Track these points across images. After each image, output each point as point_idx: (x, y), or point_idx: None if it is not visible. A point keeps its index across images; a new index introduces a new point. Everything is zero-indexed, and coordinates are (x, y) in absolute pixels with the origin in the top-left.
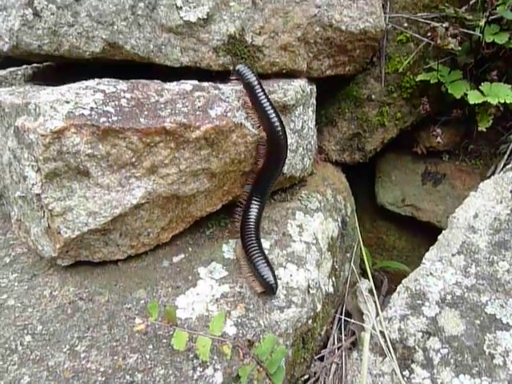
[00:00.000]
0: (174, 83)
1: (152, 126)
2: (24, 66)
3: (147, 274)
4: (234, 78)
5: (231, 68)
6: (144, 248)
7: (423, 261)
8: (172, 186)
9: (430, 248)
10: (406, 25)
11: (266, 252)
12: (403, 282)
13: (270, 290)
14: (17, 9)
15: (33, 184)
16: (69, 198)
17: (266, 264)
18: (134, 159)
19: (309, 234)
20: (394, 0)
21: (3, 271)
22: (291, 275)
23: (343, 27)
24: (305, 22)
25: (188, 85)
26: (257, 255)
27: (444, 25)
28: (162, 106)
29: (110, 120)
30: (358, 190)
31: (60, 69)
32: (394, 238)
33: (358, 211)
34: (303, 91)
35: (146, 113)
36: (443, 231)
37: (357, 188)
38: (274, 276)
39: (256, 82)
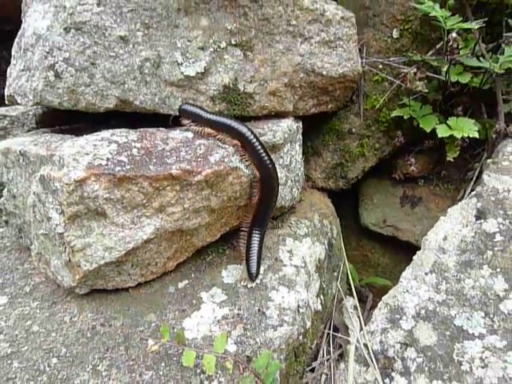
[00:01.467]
0: (177, 131)
1: (160, 173)
2: (35, 107)
3: (156, 299)
4: (182, 118)
5: (225, 112)
6: (152, 276)
7: (400, 279)
8: (177, 222)
9: (407, 267)
10: (380, 67)
11: (260, 277)
12: (383, 298)
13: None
14: (40, 71)
15: (56, 224)
16: (88, 236)
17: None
18: (144, 201)
19: (298, 258)
20: (369, 45)
21: (25, 299)
22: (283, 297)
23: (324, 72)
24: (290, 70)
25: (189, 133)
26: (253, 253)
27: (412, 70)
28: (168, 153)
29: (124, 168)
30: (344, 212)
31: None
32: (378, 256)
33: (344, 231)
34: (290, 130)
35: (154, 160)
36: (417, 252)
37: (342, 210)
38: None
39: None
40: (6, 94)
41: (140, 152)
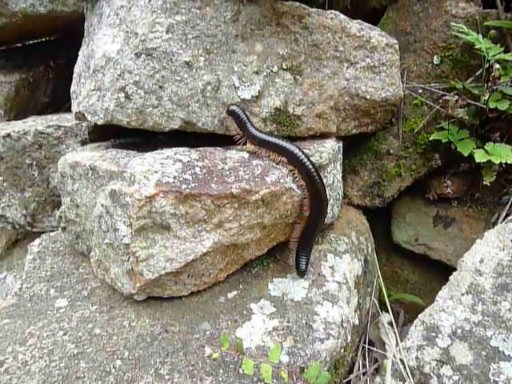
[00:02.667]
0: (234, 151)
1: (222, 192)
2: None
3: (208, 308)
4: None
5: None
6: (204, 286)
7: (436, 298)
8: (233, 237)
9: (443, 287)
10: (420, 91)
11: (306, 291)
12: (419, 316)
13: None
14: (111, 92)
15: (123, 235)
16: (152, 247)
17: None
18: (206, 217)
19: (339, 274)
20: (410, 69)
21: (84, 303)
22: (327, 311)
23: (368, 96)
24: (336, 93)
25: (245, 152)
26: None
27: (454, 98)
28: (227, 172)
29: (189, 186)
30: (376, 229)
31: None
32: (408, 273)
33: (376, 247)
34: (333, 150)
35: (215, 179)
36: (454, 273)
37: (374, 227)
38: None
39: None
40: (74, 110)
41: (202, 171)
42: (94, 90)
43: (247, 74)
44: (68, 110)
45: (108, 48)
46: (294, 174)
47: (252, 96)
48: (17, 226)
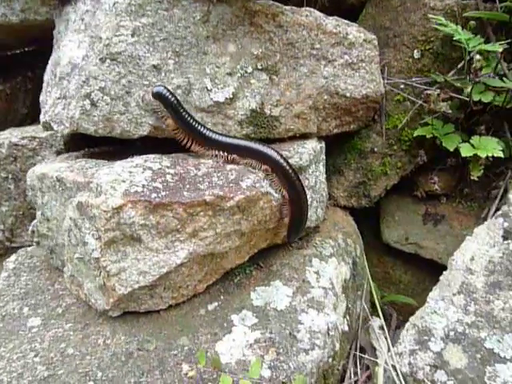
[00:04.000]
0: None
1: (195, 199)
2: None
3: (187, 321)
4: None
5: (252, 136)
6: (183, 298)
7: (427, 299)
8: (209, 246)
9: (433, 288)
10: (402, 87)
11: (289, 299)
12: (410, 319)
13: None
14: (76, 99)
15: (92, 249)
16: (123, 260)
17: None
18: (178, 226)
19: (325, 279)
20: (390, 65)
21: (58, 321)
22: (313, 320)
23: (348, 94)
24: (315, 92)
25: (219, 158)
26: None
27: (436, 92)
28: (201, 179)
29: (159, 195)
30: (364, 229)
31: None
32: (400, 273)
33: (366, 248)
34: (315, 151)
35: (188, 186)
36: (444, 272)
37: (362, 227)
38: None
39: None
40: (41, 120)
41: (174, 178)
42: (59, 98)
43: (220, 76)
44: None
45: (73, 54)
46: (271, 178)
47: (226, 98)
48: None
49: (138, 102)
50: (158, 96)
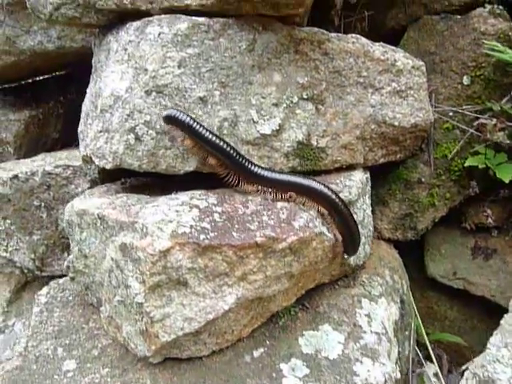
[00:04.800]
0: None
1: (245, 241)
2: None
3: (232, 370)
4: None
5: (299, 169)
6: (227, 343)
7: (488, 346)
8: (258, 290)
9: (494, 333)
10: (451, 114)
11: (342, 347)
12: (470, 368)
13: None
14: (120, 134)
15: (136, 293)
16: (168, 306)
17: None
18: (227, 269)
19: (377, 323)
20: (438, 92)
21: (94, 365)
22: (368, 371)
23: (396, 123)
24: (362, 122)
25: (268, 194)
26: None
27: (493, 121)
28: (250, 218)
29: (208, 236)
30: (407, 261)
31: None
32: (445, 308)
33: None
34: (362, 183)
35: (236, 226)
36: (505, 316)
37: (405, 259)
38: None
39: (333, 194)
40: (81, 153)
41: (222, 217)
42: (101, 131)
43: (266, 107)
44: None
45: (116, 86)
46: (323, 215)
47: (272, 130)
48: (25, 271)
49: None
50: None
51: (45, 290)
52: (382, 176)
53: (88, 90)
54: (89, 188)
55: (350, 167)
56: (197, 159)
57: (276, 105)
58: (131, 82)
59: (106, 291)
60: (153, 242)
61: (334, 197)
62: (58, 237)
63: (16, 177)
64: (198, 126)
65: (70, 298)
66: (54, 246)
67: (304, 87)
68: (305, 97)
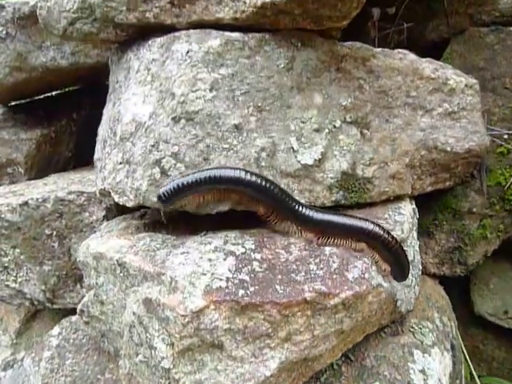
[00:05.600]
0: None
1: (292, 298)
2: None
3: None
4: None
5: (342, 203)
6: None
7: None
8: (303, 351)
9: None
10: (505, 137)
11: None
12: None
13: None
14: (144, 168)
15: (162, 357)
16: (199, 372)
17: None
18: (270, 330)
19: (434, 381)
20: (490, 111)
21: None
22: None
23: (448, 148)
24: (412, 148)
25: (311, 235)
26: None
27: None
28: (295, 266)
29: (247, 292)
30: (449, 293)
31: None
32: (493, 348)
33: None
34: (412, 218)
35: (279, 277)
36: None
37: (447, 290)
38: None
39: (389, 237)
40: (99, 186)
41: (262, 266)
42: (121, 163)
43: (306, 133)
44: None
45: (138, 111)
46: (377, 262)
47: (314, 160)
48: (35, 303)
49: None
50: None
51: (56, 329)
52: (426, 204)
53: (105, 112)
54: (104, 216)
55: (397, 198)
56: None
57: (317, 130)
58: (155, 106)
59: (126, 346)
60: (184, 300)
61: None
62: (71, 267)
63: (26, 203)
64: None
65: (84, 341)
66: (66, 277)
67: (347, 109)
68: (348, 120)
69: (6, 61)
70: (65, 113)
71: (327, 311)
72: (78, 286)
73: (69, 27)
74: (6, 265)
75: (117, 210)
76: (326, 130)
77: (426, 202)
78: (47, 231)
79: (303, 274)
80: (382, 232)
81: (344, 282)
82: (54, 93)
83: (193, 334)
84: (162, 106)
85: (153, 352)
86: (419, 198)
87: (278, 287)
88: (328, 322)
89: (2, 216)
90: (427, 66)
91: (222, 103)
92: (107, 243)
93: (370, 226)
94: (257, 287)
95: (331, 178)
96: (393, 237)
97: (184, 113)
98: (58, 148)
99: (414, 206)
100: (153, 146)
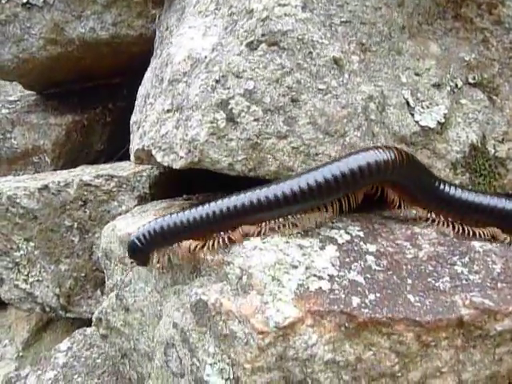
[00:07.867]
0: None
1: (442, 316)
2: (149, 166)
3: None
4: None
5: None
6: None
7: None
8: None
9: None
10: None
11: None
12: None
13: None
14: (203, 111)
15: None
16: None
17: None
18: (396, 367)
19: None
20: None
21: None
22: None
23: None
24: None
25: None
26: None
27: None
28: (429, 266)
29: (365, 301)
30: None
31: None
32: None
33: None
34: None
35: (409, 281)
36: None
37: None
38: None
39: None
40: (135, 147)
41: (380, 262)
42: (169, 110)
43: (423, 89)
44: (125, 156)
45: (196, 45)
46: None
47: (438, 123)
48: (47, 309)
49: (313, 116)
50: None
51: (65, 343)
52: None
53: (148, 70)
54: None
55: None
56: (331, 156)
57: (438, 86)
58: (222, 36)
59: (158, 375)
60: (263, 306)
61: None
62: (91, 269)
63: (46, 187)
64: None
65: (99, 362)
66: (84, 280)
67: (470, 67)
68: (471, 81)
69: (41, 32)
70: (101, 102)
71: (486, 341)
72: (99, 291)
73: None
74: (18, 260)
75: (152, 199)
76: (448, 88)
77: None
78: (67, 222)
79: (447, 278)
80: None
81: None
82: (91, 84)
83: (273, 366)
84: (231, 32)
85: None
86: None
87: (410, 297)
88: (484, 361)
89: (18, 201)
90: None
91: (316, 29)
92: (140, 222)
93: None
94: (378, 294)
95: (457, 151)
96: None
97: (266, 33)
98: (89, 138)
99: None
100: (217, 81)
